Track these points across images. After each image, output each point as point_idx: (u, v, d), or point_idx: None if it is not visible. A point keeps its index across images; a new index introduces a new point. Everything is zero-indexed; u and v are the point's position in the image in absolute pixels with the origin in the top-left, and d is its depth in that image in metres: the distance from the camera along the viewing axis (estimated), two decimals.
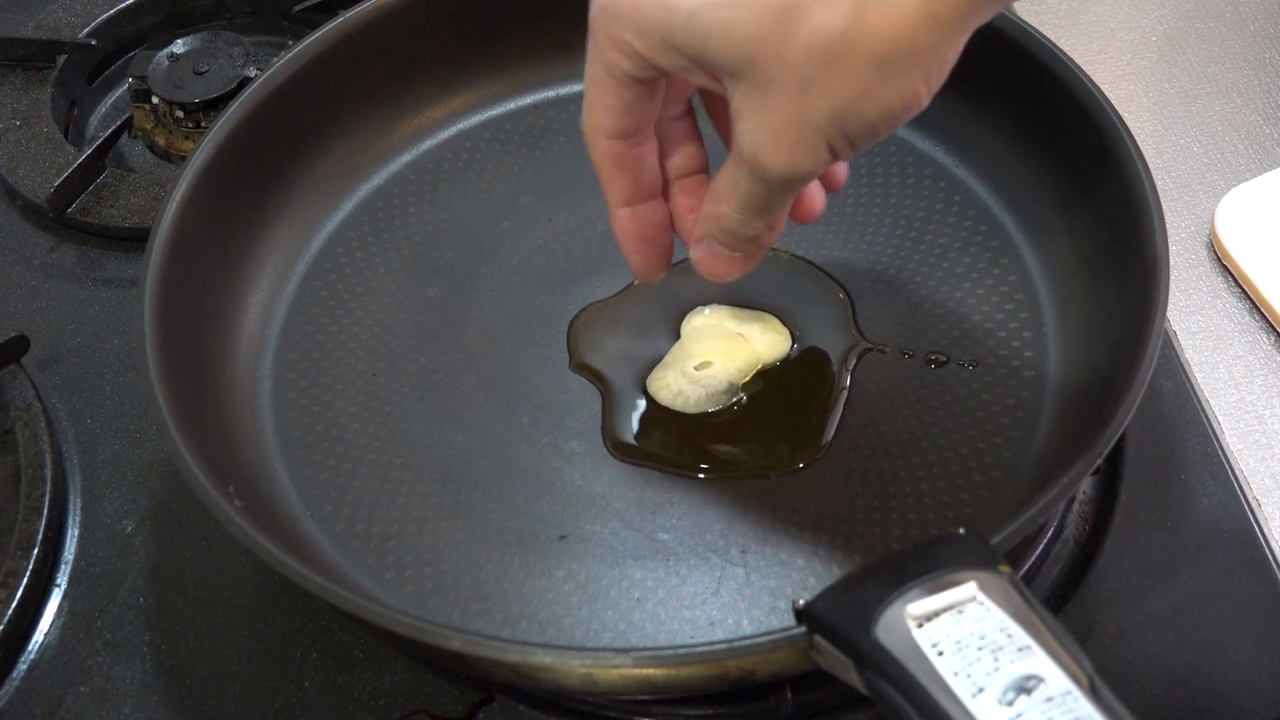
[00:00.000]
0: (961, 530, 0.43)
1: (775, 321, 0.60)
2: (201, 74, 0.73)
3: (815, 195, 0.53)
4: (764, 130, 0.42)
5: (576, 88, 0.70)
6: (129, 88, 0.75)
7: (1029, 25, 0.60)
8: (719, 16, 0.41)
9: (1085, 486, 0.58)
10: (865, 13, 0.39)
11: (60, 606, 0.57)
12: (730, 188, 0.46)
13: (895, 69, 0.40)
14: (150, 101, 0.74)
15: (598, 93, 0.47)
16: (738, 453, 0.57)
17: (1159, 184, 0.55)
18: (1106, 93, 0.58)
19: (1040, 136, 0.62)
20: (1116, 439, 0.49)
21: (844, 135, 0.42)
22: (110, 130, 0.72)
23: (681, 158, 0.51)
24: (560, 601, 0.53)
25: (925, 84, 0.41)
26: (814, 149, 0.42)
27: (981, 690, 0.36)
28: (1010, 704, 0.36)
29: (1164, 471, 0.57)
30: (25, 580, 0.55)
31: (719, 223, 0.48)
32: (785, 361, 0.59)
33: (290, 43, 0.69)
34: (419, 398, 0.60)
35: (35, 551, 0.56)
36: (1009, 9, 0.59)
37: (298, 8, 0.78)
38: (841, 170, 0.54)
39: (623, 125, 0.47)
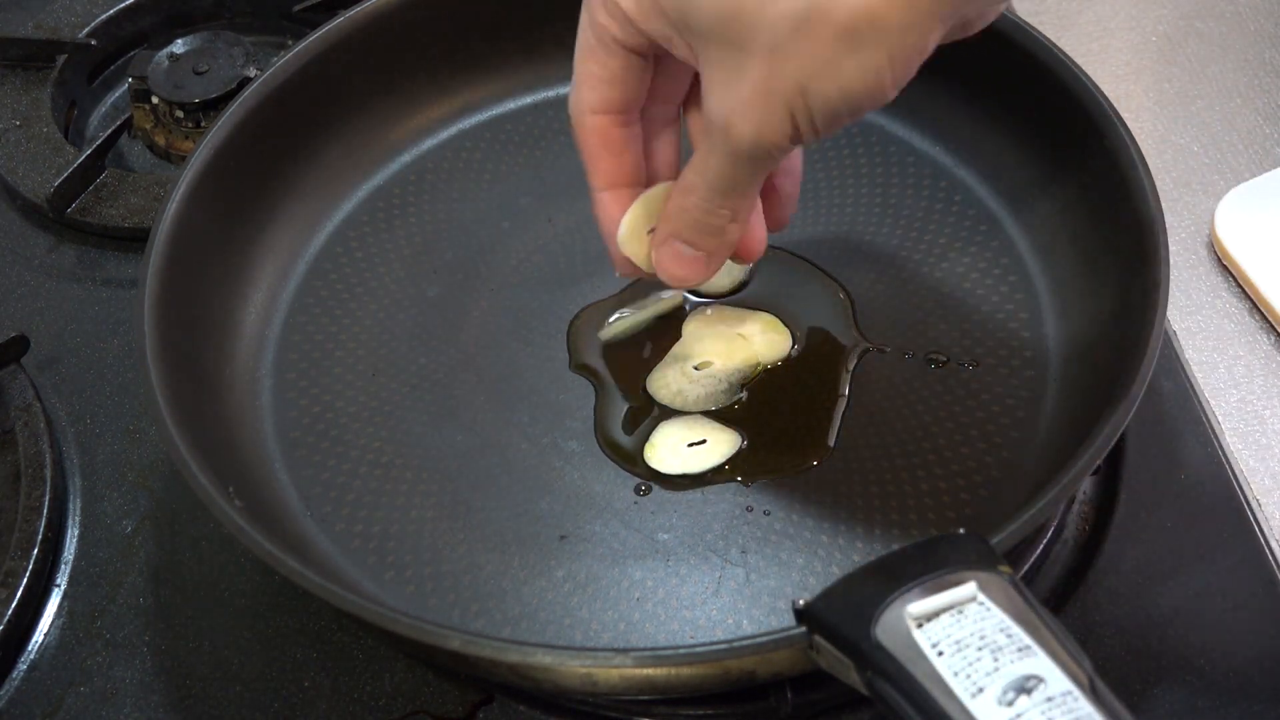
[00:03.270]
0: (961, 530, 0.43)
1: (775, 321, 0.60)
2: (201, 74, 0.73)
3: (758, 229, 0.52)
4: (733, 96, 0.42)
5: None
6: (129, 88, 0.75)
7: (1029, 25, 0.60)
8: None
9: (1085, 486, 0.58)
10: None
11: (60, 606, 0.57)
12: (697, 173, 0.46)
13: (860, 43, 0.40)
14: (150, 101, 0.74)
15: (586, 63, 0.47)
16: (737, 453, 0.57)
17: (1159, 184, 0.55)
18: (1106, 93, 0.58)
19: (1040, 136, 0.62)
20: (1116, 439, 0.49)
21: (807, 110, 0.42)
22: (110, 130, 0.72)
23: (661, 162, 0.51)
24: (560, 601, 0.53)
25: (890, 69, 0.40)
26: (781, 120, 0.42)
27: (981, 690, 0.36)
28: (1010, 704, 0.36)
29: (1164, 471, 0.57)
30: (25, 580, 0.55)
31: (683, 217, 0.48)
32: (786, 361, 0.59)
33: (290, 43, 0.69)
34: (419, 398, 0.60)
35: (35, 551, 0.56)
36: (1009, 9, 0.59)
37: (298, 8, 0.78)
38: (788, 207, 0.54)
39: (609, 98, 0.47)
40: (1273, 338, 0.63)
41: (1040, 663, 0.36)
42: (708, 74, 0.43)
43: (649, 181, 0.52)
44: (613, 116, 0.48)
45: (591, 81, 0.47)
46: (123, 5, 0.78)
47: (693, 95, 0.50)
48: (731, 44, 0.42)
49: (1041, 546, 0.55)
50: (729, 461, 0.56)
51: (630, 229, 0.52)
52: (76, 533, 0.59)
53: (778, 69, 0.41)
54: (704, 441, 0.57)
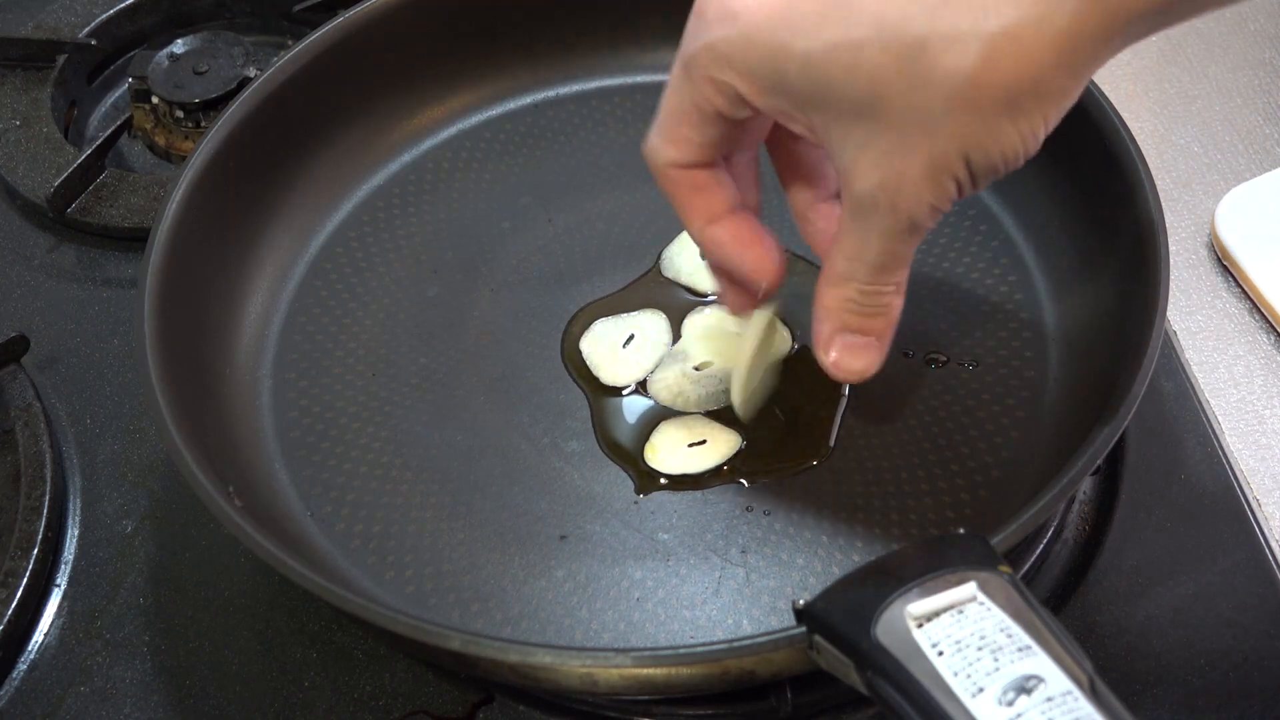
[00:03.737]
0: (961, 530, 0.43)
1: (776, 321, 0.60)
2: (201, 74, 0.73)
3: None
4: (895, 173, 0.42)
5: (576, 88, 0.71)
6: (129, 88, 0.75)
7: None
8: (840, 61, 0.40)
9: (1085, 486, 0.58)
10: (996, 56, 0.39)
11: (60, 606, 0.57)
12: (853, 258, 0.45)
13: (1020, 110, 0.40)
14: (150, 101, 0.74)
15: (678, 126, 0.46)
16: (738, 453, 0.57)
17: (1159, 184, 0.55)
18: (1106, 93, 0.58)
19: None
20: (1116, 439, 0.49)
21: (969, 175, 0.42)
22: (110, 130, 0.72)
23: (744, 188, 0.50)
24: (560, 601, 0.53)
25: (1045, 125, 0.41)
26: (946, 189, 0.42)
27: (981, 690, 0.36)
28: (1010, 704, 0.36)
29: (1164, 471, 0.57)
30: (25, 580, 0.55)
31: (848, 305, 0.47)
32: (786, 360, 0.59)
33: (290, 43, 0.69)
34: (419, 398, 0.60)
35: (35, 551, 0.56)
36: None
37: (298, 8, 0.78)
38: None
39: (697, 159, 0.47)
40: (1273, 338, 0.63)
41: (1040, 663, 0.36)
42: (850, 154, 0.42)
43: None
44: (695, 168, 0.47)
45: (681, 144, 0.46)
46: (123, 5, 0.78)
47: (778, 149, 0.50)
48: (879, 126, 0.41)
49: (1041, 546, 0.55)
50: (729, 462, 0.56)
51: (756, 345, 0.53)
52: (76, 533, 0.59)
53: (940, 145, 0.40)
54: (704, 441, 0.57)
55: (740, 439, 0.57)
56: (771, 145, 0.50)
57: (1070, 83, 0.40)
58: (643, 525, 0.55)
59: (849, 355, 0.48)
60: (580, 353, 0.60)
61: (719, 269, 0.52)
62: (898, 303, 0.48)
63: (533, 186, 0.67)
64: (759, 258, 0.49)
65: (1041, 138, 0.41)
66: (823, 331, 0.48)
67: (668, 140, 0.47)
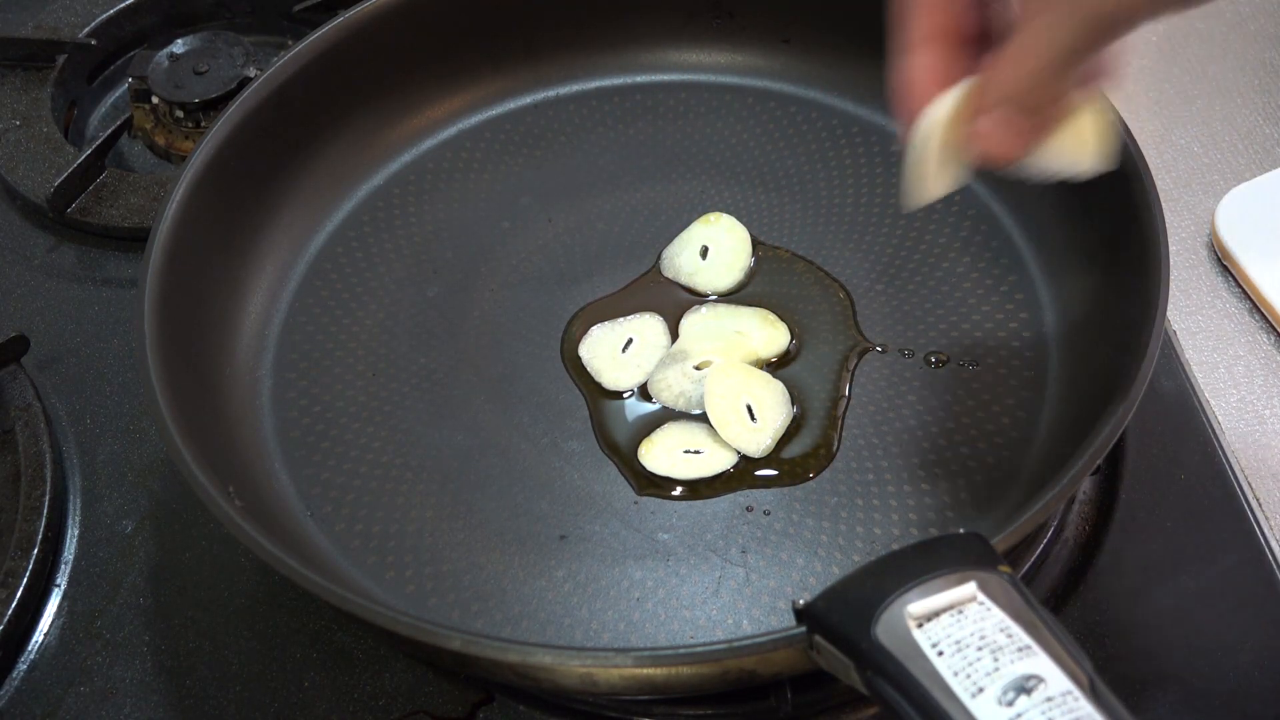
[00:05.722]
0: (961, 530, 0.43)
1: (772, 316, 0.60)
2: (201, 74, 0.73)
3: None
4: None
5: (576, 88, 0.71)
6: (129, 88, 0.75)
7: None
8: None
9: (1085, 486, 0.58)
10: None
11: (60, 606, 0.57)
12: (1038, 37, 0.43)
13: None
14: (150, 101, 0.74)
15: None
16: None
17: (1159, 184, 0.55)
18: (1106, 93, 0.58)
19: None
20: (1116, 439, 0.49)
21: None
22: (110, 130, 0.72)
23: (995, 27, 0.47)
24: (560, 601, 0.53)
25: None
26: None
27: (981, 690, 0.36)
28: (1010, 704, 0.36)
29: (1164, 471, 0.57)
30: (25, 580, 0.55)
31: (1021, 82, 0.44)
32: (785, 356, 0.59)
33: (290, 43, 0.69)
34: (419, 398, 0.60)
35: (35, 551, 0.56)
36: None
37: (298, 8, 0.78)
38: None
39: None
40: (1273, 338, 0.63)
41: (1040, 663, 0.36)
42: None
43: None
44: None
45: None
46: (123, 5, 0.78)
47: None
48: None
49: (1041, 546, 0.55)
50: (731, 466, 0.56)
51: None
52: (76, 533, 0.59)
53: None
54: (700, 452, 0.57)
55: (736, 457, 0.57)
56: None
57: None
58: (643, 525, 0.55)
59: (1001, 129, 0.45)
60: (580, 357, 0.60)
61: None
62: (1062, 107, 0.45)
63: (533, 186, 0.67)
64: (908, 108, 0.47)
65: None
66: (987, 97, 0.45)
67: None
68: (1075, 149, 0.47)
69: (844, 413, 0.57)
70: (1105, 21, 0.42)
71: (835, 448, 0.57)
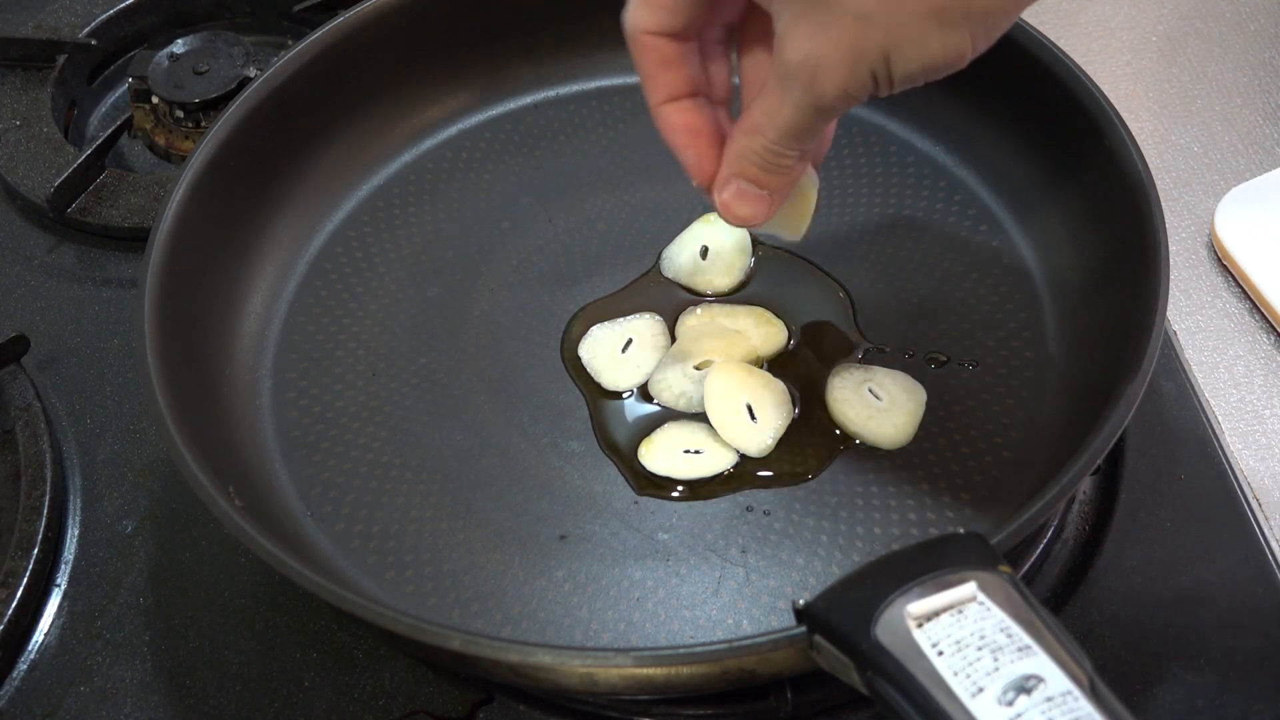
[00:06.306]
0: (961, 530, 0.43)
1: (768, 314, 0.60)
2: (201, 74, 0.73)
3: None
4: (818, 51, 0.43)
5: (576, 87, 0.71)
6: (129, 88, 0.75)
7: (1029, 25, 0.60)
8: None
9: (1085, 486, 0.58)
10: None
11: (60, 606, 0.57)
12: (769, 116, 0.47)
13: (948, 22, 0.41)
14: (150, 101, 0.74)
15: None
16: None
17: (1159, 184, 0.55)
18: (1107, 93, 0.58)
19: (1040, 136, 0.62)
20: (1116, 439, 0.49)
21: (888, 73, 0.43)
22: (110, 130, 0.72)
23: (716, 84, 0.51)
24: (560, 601, 0.53)
25: (972, 44, 0.42)
26: (863, 79, 0.43)
27: (981, 690, 0.36)
28: (1010, 704, 0.36)
29: (1164, 471, 0.57)
30: (25, 580, 0.55)
31: (750, 157, 0.48)
32: (785, 355, 0.59)
33: (290, 43, 0.69)
34: (419, 398, 0.60)
35: (35, 551, 0.56)
36: None
37: (298, 8, 0.78)
38: (826, 147, 0.54)
39: (669, 25, 0.48)
40: (1273, 338, 0.63)
41: (1040, 663, 0.36)
42: (787, 25, 0.44)
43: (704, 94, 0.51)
44: (668, 37, 0.49)
45: (649, 5, 0.48)
46: (123, 5, 0.78)
47: (747, 26, 0.50)
48: (816, 6, 0.42)
49: (1041, 546, 0.55)
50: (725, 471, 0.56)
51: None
52: (76, 533, 0.59)
53: (866, 35, 0.42)
54: (700, 452, 0.57)
55: (736, 457, 0.57)
56: (740, 37, 0.51)
57: (998, 4, 0.41)
58: (643, 525, 0.55)
59: (740, 201, 0.50)
60: (580, 358, 0.60)
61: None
62: (798, 170, 0.50)
63: (533, 186, 0.67)
64: (698, 155, 0.51)
65: (968, 56, 0.43)
66: (724, 173, 0.50)
67: (644, 2, 0.48)
68: (793, 219, 0.54)
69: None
70: (826, 105, 0.45)
71: (835, 448, 0.57)
